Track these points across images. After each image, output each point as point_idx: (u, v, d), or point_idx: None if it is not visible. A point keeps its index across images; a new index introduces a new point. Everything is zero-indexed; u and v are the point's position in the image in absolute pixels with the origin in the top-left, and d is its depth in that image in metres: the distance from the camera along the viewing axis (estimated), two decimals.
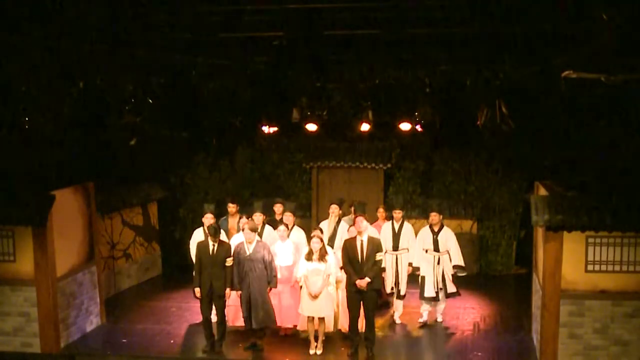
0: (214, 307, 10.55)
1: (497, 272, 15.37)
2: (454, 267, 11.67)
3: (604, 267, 9.87)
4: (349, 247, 10.31)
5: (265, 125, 13.83)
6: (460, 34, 9.26)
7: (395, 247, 11.83)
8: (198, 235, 11.23)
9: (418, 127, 13.53)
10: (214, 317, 10.67)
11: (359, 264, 10.20)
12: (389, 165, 15.36)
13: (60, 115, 11.18)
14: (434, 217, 11.64)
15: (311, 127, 12.74)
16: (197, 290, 10.61)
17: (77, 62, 9.79)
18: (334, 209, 11.79)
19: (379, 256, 10.29)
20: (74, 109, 11.11)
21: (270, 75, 10.96)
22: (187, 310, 12.65)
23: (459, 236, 14.94)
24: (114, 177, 13.84)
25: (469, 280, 14.67)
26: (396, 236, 11.84)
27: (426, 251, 11.59)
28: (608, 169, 10.77)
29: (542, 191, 10.99)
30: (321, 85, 11.46)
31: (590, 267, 9.90)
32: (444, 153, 15.63)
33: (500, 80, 10.77)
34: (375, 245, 10.30)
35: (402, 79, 11.60)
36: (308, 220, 15.64)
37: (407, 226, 12.00)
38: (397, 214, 11.91)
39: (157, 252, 15.62)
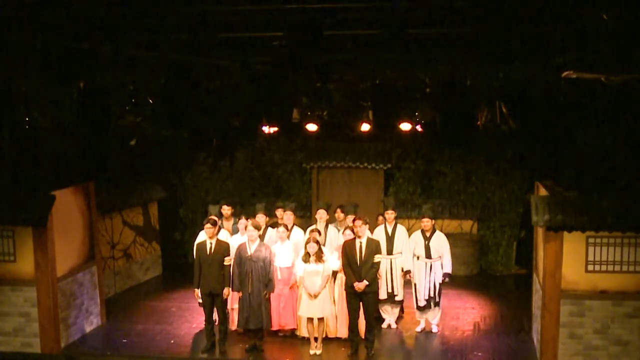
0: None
1: (497, 272, 15.37)
2: (444, 274, 11.30)
3: (604, 267, 9.88)
4: (347, 249, 10.30)
5: (265, 125, 13.83)
6: (460, 34, 9.26)
7: (390, 251, 11.34)
8: (201, 237, 11.22)
9: (418, 127, 13.52)
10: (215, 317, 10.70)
11: (357, 266, 10.20)
12: (389, 165, 15.36)
13: (60, 115, 11.19)
14: (427, 222, 11.29)
15: (311, 127, 12.73)
16: (197, 291, 10.62)
17: (77, 62, 9.78)
18: (322, 214, 11.54)
19: (377, 258, 10.28)
20: (74, 109, 11.11)
21: (270, 75, 10.95)
22: (187, 310, 12.66)
23: (459, 236, 15.02)
24: (114, 177, 13.84)
25: (469, 280, 14.72)
26: (390, 239, 11.37)
27: (417, 257, 11.28)
28: (608, 169, 10.77)
29: (542, 191, 10.99)
30: (321, 85, 11.45)
31: (590, 267, 9.90)
32: (444, 153, 15.63)
33: (500, 80, 10.77)
34: (374, 247, 10.28)
35: (402, 79, 11.59)
36: (308, 220, 15.62)
37: (401, 228, 11.53)
38: (390, 214, 11.41)
39: (157, 252, 15.62)
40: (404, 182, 15.65)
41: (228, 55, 10.76)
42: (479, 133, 14.21)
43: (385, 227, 11.47)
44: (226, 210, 11.97)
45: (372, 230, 11.18)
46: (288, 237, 11.17)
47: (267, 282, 10.36)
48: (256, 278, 10.30)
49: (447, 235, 14.94)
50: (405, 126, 12.74)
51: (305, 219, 15.67)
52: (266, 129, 14.13)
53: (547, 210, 9.72)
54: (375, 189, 15.49)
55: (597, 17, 7.60)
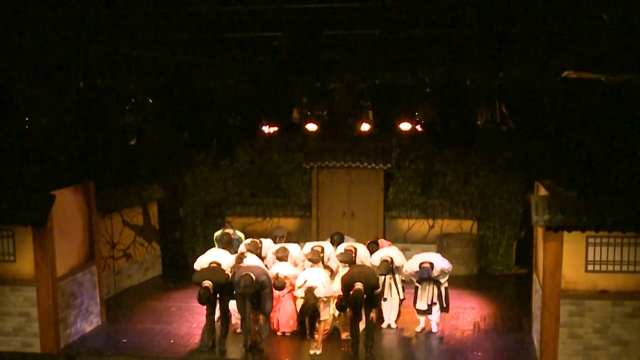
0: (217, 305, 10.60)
1: (497, 272, 15.37)
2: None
3: (604, 267, 9.87)
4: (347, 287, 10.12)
5: (265, 125, 13.83)
6: (460, 34, 9.26)
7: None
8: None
9: (418, 127, 13.52)
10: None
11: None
12: (389, 165, 15.37)
13: (60, 115, 11.20)
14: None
15: (311, 127, 12.73)
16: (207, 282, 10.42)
17: (77, 62, 9.79)
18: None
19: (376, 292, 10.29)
20: (74, 109, 11.12)
21: (270, 75, 10.95)
22: (187, 310, 12.66)
23: (459, 236, 15.05)
24: (114, 177, 13.84)
25: (469, 280, 14.72)
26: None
27: (419, 281, 11.31)
28: (608, 169, 10.77)
29: (542, 191, 10.99)
30: (321, 85, 11.47)
31: (590, 267, 9.90)
32: (444, 153, 15.63)
33: (500, 80, 10.78)
34: (371, 285, 10.13)
35: (402, 79, 11.60)
36: (308, 220, 15.67)
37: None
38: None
39: (157, 252, 15.62)
40: (404, 182, 15.65)
41: (228, 55, 10.77)
42: (479, 133, 14.23)
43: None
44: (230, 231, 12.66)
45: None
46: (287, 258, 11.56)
47: (263, 308, 10.37)
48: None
49: (447, 235, 15.07)
50: (405, 126, 12.73)
51: (305, 219, 15.68)
52: (266, 129, 14.13)
53: (547, 210, 9.72)
54: (375, 189, 15.50)
55: (597, 17, 7.61)
